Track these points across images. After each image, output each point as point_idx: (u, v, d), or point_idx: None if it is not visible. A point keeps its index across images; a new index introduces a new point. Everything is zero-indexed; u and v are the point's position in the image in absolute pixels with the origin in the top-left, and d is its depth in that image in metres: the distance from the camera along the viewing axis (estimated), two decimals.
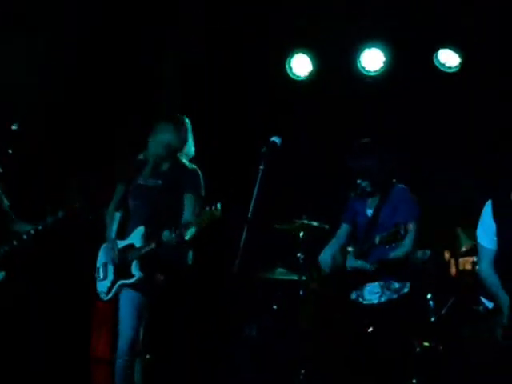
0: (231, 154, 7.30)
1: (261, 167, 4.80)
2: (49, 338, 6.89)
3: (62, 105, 7.17)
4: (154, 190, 5.67)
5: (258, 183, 4.76)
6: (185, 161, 5.74)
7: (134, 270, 5.52)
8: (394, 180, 5.56)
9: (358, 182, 5.50)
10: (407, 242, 5.29)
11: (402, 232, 4.94)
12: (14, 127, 5.84)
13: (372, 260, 5.33)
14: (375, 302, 5.34)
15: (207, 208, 5.31)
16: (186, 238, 5.41)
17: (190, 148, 5.80)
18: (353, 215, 5.72)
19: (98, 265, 5.74)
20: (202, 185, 5.69)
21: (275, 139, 4.93)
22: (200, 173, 5.72)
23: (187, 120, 5.82)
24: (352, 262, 5.40)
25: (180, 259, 5.65)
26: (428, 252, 6.25)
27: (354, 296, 5.49)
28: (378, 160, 5.49)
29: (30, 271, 6.71)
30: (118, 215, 5.81)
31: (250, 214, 4.73)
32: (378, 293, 5.36)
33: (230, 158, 7.28)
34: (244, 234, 4.76)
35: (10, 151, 5.87)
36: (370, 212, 5.56)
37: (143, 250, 5.51)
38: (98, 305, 6.47)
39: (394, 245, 5.07)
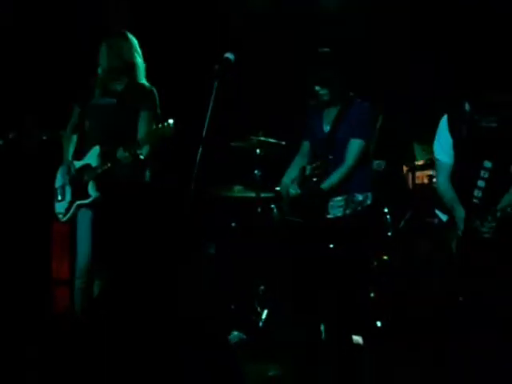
0: (185, 70, 7.20)
1: (215, 84, 4.76)
2: (6, 261, 6.85)
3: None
4: (109, 109, 5.63)
5: (212, 100, 4.72)
6: (142, 80, 5.69)
7: (91, 190, 5.56)
8: (352, 94, 5.43)
9: (317, 89, 5.40)
10: (349, 159, 5.24)
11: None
12: None
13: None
14: (340, 215, 5.34)
15: (160, 125, 5.33)
16: (142, 156, 5.42)
17: (142, 65, 5.73)
18: (311, 130, 5.67)
19: (56, 186, 5.76)
20: (157, 103, 5.66)
21: (229, 55, 4.88)
22: (155, 91, 5.68)
23: (133, 37, 5.74)
24: (292, 190, 5.34)
25: (136, 178, 5.64)
26: (383, 163, 6.28)
27: None
28: (339, 70, 5.40)
29: None
30: (74, 137, 5.83)
31: (205, 131, 4.72)
32: (341, 206, 5.35)
33: (184, 74, 7.18)
34: (200, 151, 4.75)
35: None
36: (327, 128, 5.48)
37: (99, 170, 5.53)
38: (56, 226, 6.49)
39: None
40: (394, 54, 6.92)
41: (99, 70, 5.70)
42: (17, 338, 5.74)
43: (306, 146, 5.60)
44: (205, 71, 4.98)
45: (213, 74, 4.77)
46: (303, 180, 5.31)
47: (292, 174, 5.51)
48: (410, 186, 6.74)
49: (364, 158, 5.27)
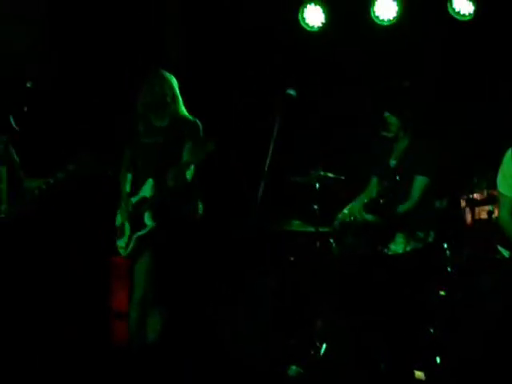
0: (246, 106, 7.27)
1: (276, 120, 4.82)
2: (65, 296, 6.95)
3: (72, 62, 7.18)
4: (157, 147, 5.78)
5: (273, 136, 4.78)
6: (183, 113, 5.80)
7: (147, 219, 5.66)
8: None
9: (386, 115, 5.42)
10: (415, 195, 5.26)
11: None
12: (28, 85, 5.84)
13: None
14: (400, 251, 5.33)
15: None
16: (188, 177, 5.52)
17: (180, 99, 5.86)
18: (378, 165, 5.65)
19: (116, 225, 5.88)
20: (201, 134, 5.77)
21: (290, 91, 4.95)
22: (199, 123, 5.79)
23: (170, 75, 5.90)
24: (364, 216, 5.40)
25: (190, 207, 5.74)
26: (445, 202, 6.26)
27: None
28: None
29: (44, 226, 6.73)
30: (129, 176, 5.96)
31: (266, 166, 4.77)
32: (402, 243, 5.35)
33: (245, 110, 7.25)
34: (261, 186, 4.80)
35: (25, 109, 5.88)
36: (393, 163, 5.50)
37: (153, 200, 5.65)
38: (116, 260, 6.59)
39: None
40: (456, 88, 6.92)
41: (140, 109, 5.84)
42: (78, 369, 5.82)
43: (374, 182, 5.62)
44: (266, 106, 5.05)
45: (275, 109, 4.84)
46: (371, 203, 5.29)
47: (350, 207, 5.54)
48: (469, 221, 6.68)
49: (427, 195, 5.29)
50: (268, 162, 4.81)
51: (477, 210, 6.68)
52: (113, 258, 6.66)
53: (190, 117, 5.85)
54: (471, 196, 6.65)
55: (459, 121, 6.81)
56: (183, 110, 5.86)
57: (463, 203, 6.77)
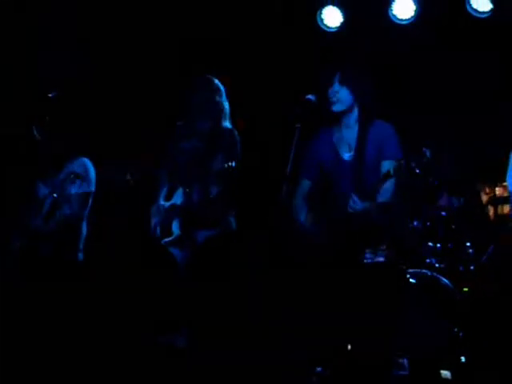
0: (265, 109, 7.28)
1: (297, 125, 4.84)
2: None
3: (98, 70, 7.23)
4: (196, 152, 5.84)
5: (294, 141, 4.80)
6: (226, 123, 5.81)
7: (174, 227, 5.72)
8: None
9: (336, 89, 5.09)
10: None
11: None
12: (51, 95, 5.91)
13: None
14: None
15: (226, 165, 5.44)
16: (211, 195, 5.63)
17: (227, 109, 5.86)
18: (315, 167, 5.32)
19: (151, 224, 5.92)
20: (238, 147, 5.80)
21: (310, 97, 4.96)
22: (237, 134, 5.81)
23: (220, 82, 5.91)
24: (359, 205, 4.98)
25: (223, 221, 5.79)
26: (462, 199, 6.24)
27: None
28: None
29: None
30: (163, 179, 6.00)
31: (288, 170, 4.80)
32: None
33: (264, 113, 7.27)
34: (283, 189, 4.83)
35: (48, 119, 5.95)
36: (347, 155, 5.25)
37: (182, 208, 5.70)
38: None
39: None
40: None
41: (186, 111, 5.86)
42: None
43: (305, 185, 5.34)
44: (285, 109, 5.07)
45: (295, 116, 4.85)
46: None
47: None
48: (492, 218, 6.67)
49: None
50: (290, 166, 4.82)
51: (499, 206, 6.68)
52: None
53: (230, 127, 5.88)
54: (493, 192, 6.66)
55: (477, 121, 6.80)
56: (226, 119, 5.88)
57: (484, 198, 6.77)
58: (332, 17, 7.20)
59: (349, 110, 5.14)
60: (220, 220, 5.75)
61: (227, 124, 5.89)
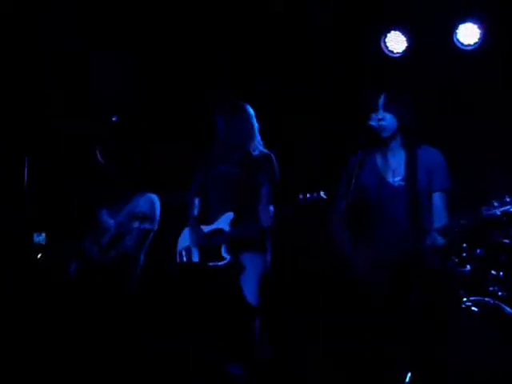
0: (328, 134, 7.31)
1: (359, 153, 4.85)
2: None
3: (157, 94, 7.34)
4: (233, 178, 5.91)
5: (356, 169, 4.81)
6: (260, 147, 5.87)
7: (224, 252, 5.77)
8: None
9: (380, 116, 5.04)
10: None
11: None
12: (114, 119, 6.00)
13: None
14: None
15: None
16: (264, 224, 5.71)
17: (258, 134, 5.95)
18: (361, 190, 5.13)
19: (179, 248, 6.00)
20: (275, 169, 5.87)
21: (373, 123, 4.96)
22: (273, 157, 5.88)
23: (250, 108, 5.96)
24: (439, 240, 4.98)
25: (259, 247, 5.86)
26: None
27: None
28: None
29: None
30: (196, 201, 6.03)
31: (348, 199, 4.81)
32: None
33: (327, 139, 7.29)
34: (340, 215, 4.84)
35: (111, 142, 6.04)
36: (393, 180, 5.17)
37: (233, 235, 5.79)
38: None
39: None
40: None
41: (218, 138, 5.94)
42: None
43: (341, 206, 5.11)
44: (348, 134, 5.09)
45: (357, 143, 4.87)
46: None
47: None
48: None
49: None
50: (350, 194, 4.83)
51: None
52: None
53: (265, 150, 5.94)
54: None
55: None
56: (259, 143, 5.94)
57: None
58: (396, 41, 7.19)
59: (393, 136, 5.09)
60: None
61: (261, 148, 5.96)
